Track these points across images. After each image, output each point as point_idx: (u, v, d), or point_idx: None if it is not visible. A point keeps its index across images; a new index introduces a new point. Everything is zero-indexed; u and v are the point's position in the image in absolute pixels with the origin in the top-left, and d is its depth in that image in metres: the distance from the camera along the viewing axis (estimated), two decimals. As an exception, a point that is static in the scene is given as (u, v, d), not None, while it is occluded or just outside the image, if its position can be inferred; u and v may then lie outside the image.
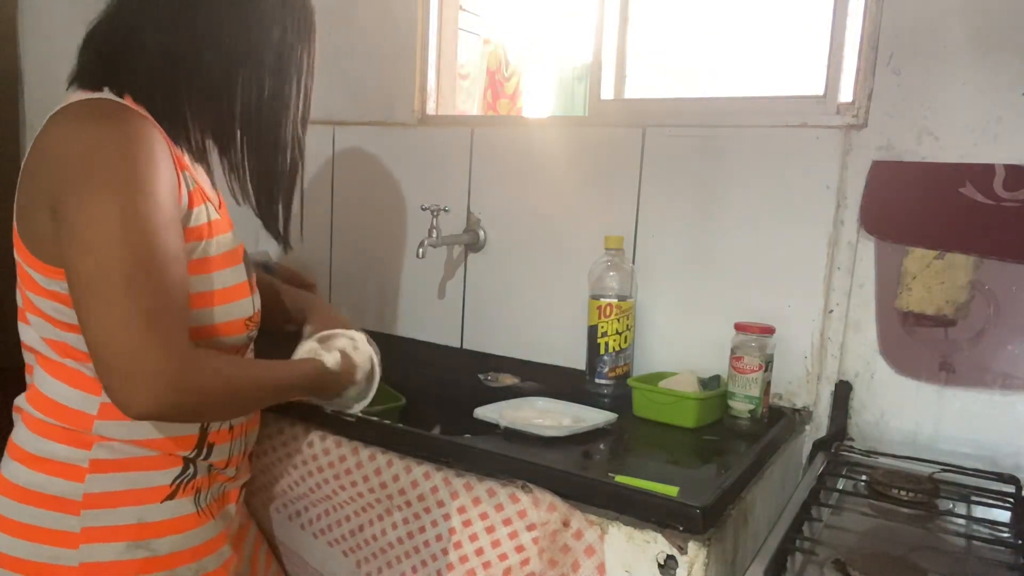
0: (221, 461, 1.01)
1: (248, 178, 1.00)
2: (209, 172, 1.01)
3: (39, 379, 0.94)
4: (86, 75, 0.93)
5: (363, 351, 1.11)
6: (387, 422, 1.13)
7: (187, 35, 0.92)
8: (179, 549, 0.96)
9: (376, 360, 1.12)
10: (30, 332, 0.94)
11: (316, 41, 1.03)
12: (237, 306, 0.97)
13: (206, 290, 0.94)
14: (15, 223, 0.91)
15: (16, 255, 0.91)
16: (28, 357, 0.97)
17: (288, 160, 1.03)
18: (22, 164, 0.90)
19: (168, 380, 0.80)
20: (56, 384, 0.93)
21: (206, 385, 0.85)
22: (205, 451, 0.98)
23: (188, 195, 0.91)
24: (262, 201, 1.02)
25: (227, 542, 1.04)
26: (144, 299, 0.80)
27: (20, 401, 0.97)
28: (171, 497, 0.96)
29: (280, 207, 1.04)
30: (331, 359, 1.05)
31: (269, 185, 1.02)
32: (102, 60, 0.93)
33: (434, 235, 1.53)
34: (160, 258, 0.82)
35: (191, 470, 0.97)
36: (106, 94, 0.91)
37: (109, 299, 0.79)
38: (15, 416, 0.97)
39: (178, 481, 0.96)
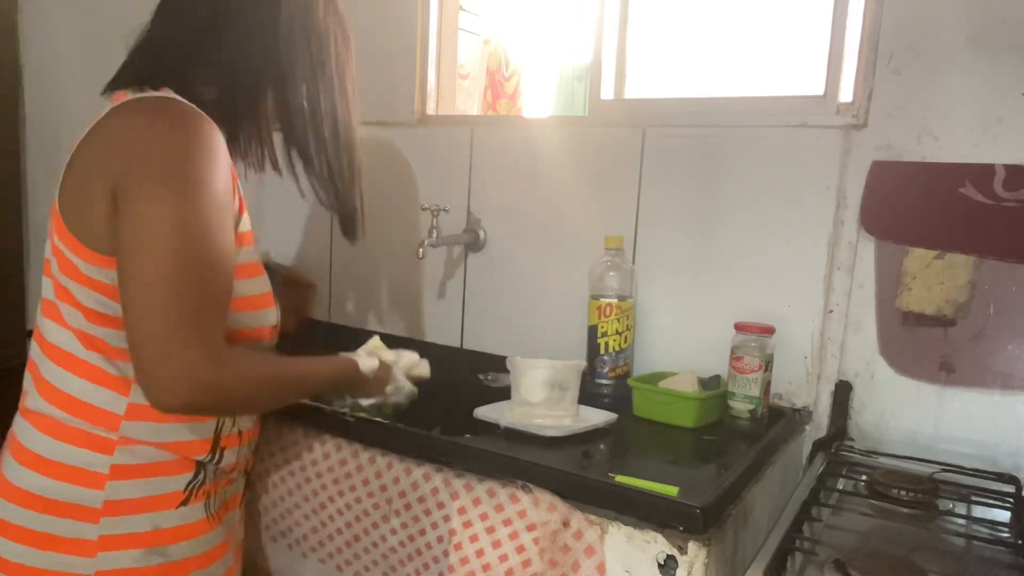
0: (230, 465, 1.02)
1: (330, 178, 1.05)
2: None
3: (57, 377, 0.92)
4: (142, 76, 0.94)
5: (404, 363, 1.19)
6: (387, 422, 1.13)
7: (257, 43, 0.97)
8: (192, 555, 0.96)
9: (407, 386, 1.18)
10: (51, 324, 0.92)
11: (353, 48, 1.07)
12: (266, 314, 1.01)
13: (244, 295, 0.96)
14: (58, 211, 0.90)
15: (58, 242, 0.90)
16: (39, 353, 0.94)
17: (356, 157, 1.08)
18: (72, 151, 0.90)
19: (200, 377, 0.81)
20: (80, 382, 0.91)
21: (239, 380, 0.88)
22: (218, 455, 0.98)
23: (239, 200, 0.94)
24: (345, 199, 1.08)
25: (231, 549, 1.04)
26: (189, 298, 0.82)
27: (33, 403, 0.94)
28: (185, 503, 0.95)
29: (347, 204, 1.09)
30: (366, 364, 1.09)
31: (350, 184, 1.07)
32: (162, 62, 0.95)
33: (434, 235, 1.53)
34: (212, 258, 0.84)
35: (202, 475, 0.97)
36: (168, 93, 0.92)
37: (156, 294, 0.81)
38: (22, 420, 0.94)
39: (191, 487, 0.96)
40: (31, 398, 0.94)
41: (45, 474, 0.90)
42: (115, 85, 0.95)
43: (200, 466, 0.97)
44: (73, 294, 0.90)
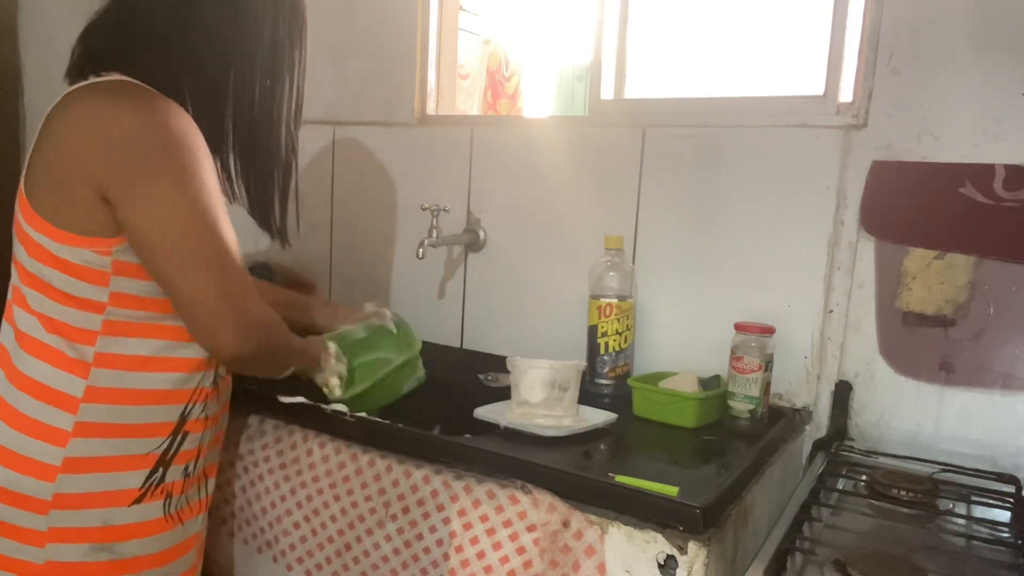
0: (192, 450, 1.01)
1: (238, 176, 1.03)
2: None
3: (23, 362, 0.93)
4: (90, 63, 0.94)
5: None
6: (387, 422, 1.13)
7: (182, 30, 0.95)
8: (145, 553, 0.96)
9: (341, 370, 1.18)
10: (19, 311, 0.94)
11: (308, 39, 1.06)
12: None
13: None
14: (23, 194, 0.91)
15: (25, 225, 0.91)
16: (11, 340, 0.95)
17: (282, 157, 1.06)
18: (35, 136, 0.92)
19: (250, 325, 0.93)
20: (42, 365, 0.92)
21: (274, 322, 1.00)
22: (179, 439, 0.98)
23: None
24: (254, 199, 1.05)
25: (194, 548, 1.04)
26: (225, 255, 0.91)
27: (0, 390, 0.94)
28: (139, 500, 0.95)
29: (276, 204, 1.08)
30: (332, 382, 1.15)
31: (263, 182, 1.05)
32: (107, 49, 0.95)
33: (434, 235, 1.53)
34: (224, 223, 0.93)
35: (160, 472, 0.97)
36: (119, 77, 0.93)
37: (199, 261, 0.89)
38: None
39: (148, 483, 0.96)
40: None
41: (2, 463, 0.92)
42: (78, 71, 0.96)
43: (159, 463, 0.97)
44: (39, 276, 0.91)
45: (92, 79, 0.93)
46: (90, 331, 0.91)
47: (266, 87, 1.01)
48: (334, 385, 1.15)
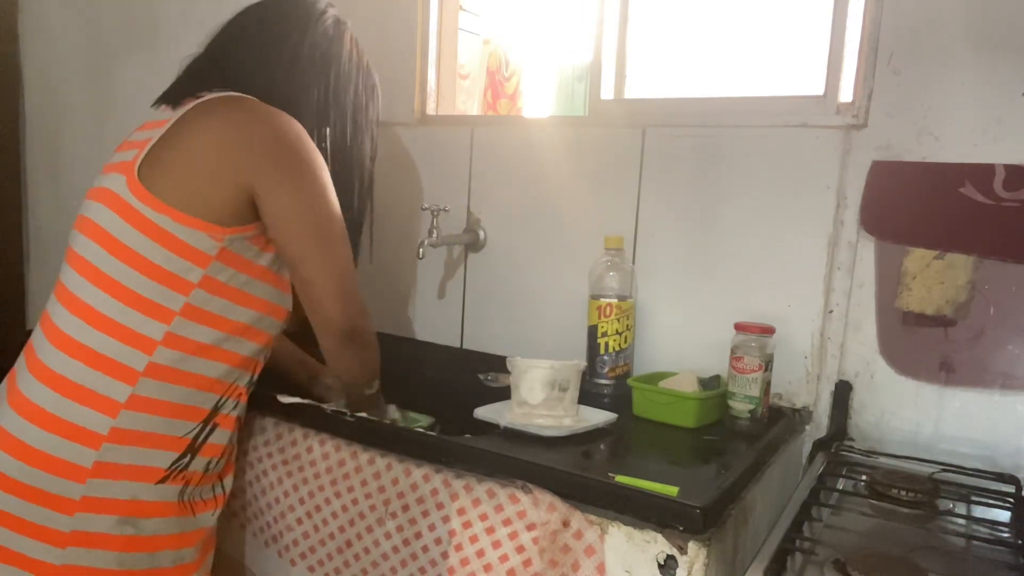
0: (219, 447, 1.06)
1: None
2: None
3: (83, 332, 0.97)
4: (198, 86, 1.09)
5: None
6: (387, 422, 1.13)
7: (290, 91, 1.14)
8: (162, 533, 1.00)
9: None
10: (82, 281, 0.99)
11: (379, 97, 1.32)
12: (287, 297, 1.12)
13: (280, 273, 1.09)
14: (136, 179, 0.99)
15: (135, 202, 0.98)
16: (62, 310, 0.99)
17: (367, 191, 1.28)
18: (155, 137, 1.02)
19: (357, 306, 1.09)
20: (104, 337, 0.97)
21: (368, 321, 1.13)
22: (209, 429, 1.03)
23: None
24: (349, 226, 1.17)
25: (203, 539, 1.08)
26: (345, 246, 1.09)
27: (46, 356, 0.98)
28: (163, 481, 0.99)
29: (362, 229, 1.28)
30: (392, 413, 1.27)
31: (354, 213, 1.24)
32: (213, 78, 1.11)
33: (434, 235, 1.53)
34: (344, 224, 1.10)
35: (187, 458, 1.01)
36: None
37: (330, 241, 1.06)
38: (28, 374, 0.98)
39: (173, 467, 1.00)
40: (45, 352, 0.99)
41: (47, 429, 0.95)
42: (179, 94, 1.09)
43: (188, 449, 1.01)
44: (138, 250, 0.97)
45: (210, 95, 1.06)
46: (170, 310, 0.98)
47: (353, 135, 1.23)
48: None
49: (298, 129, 1.05)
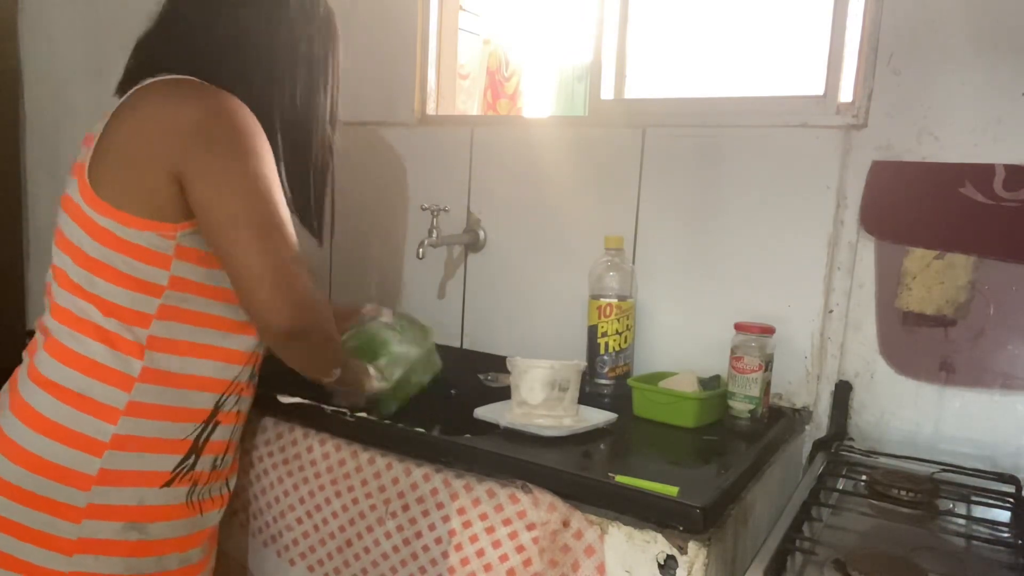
0: (222, 443, 1.05)
1: (283, 176, 1.07)
2: None
3: (75, 341, 0.96)
4: (146, 72, 1.01)
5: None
6: (387, 422, 1.13)
7: (231, 47, 1.03)
8: (169, 536, 1.00)
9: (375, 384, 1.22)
10: (67, 295, 0.97)
11: (340, 47, 1.13)
12: None
13: None
14: (87, 182, 0.95)
15: (87, 209, 0.95)
16: (55, 322, 0.98)
17: (320, 159, 1.13)
18: (101, 130, 0.97)
19: (299, 303, 0.94)
20: (96, 345, 0.96)
21: (325, 307, 1.01)
22: (211, 427, 1.03)
23: None
24: (298, 198, 1.11)
25: (208, 538, 1.08)
26: (279, 237, 0.94)
27: (46, 368, 0.97)
28: (169, 484, 0.99)
29: (313, 203, 1.14)
30: (375, 383, 1.20)
31: (304, 181, 1.12)
32: (161, 61, 1.02)
33: (434, 235, 1.53)
34: (283, 212, 0.96)
35: (192, 459, 1.01)
36: (181, 76, 0.99)
37: (256, 234, 0.92)
38: (30, 383, 0.98)
39: (179, 468, 1.00)
40: (42, 361, 0.98)
41: (50, 437, 0.94)
42: (133, 81, 1.02)
43: (192, 449, 1.01)
44: (102, 259, 0.95)
45: (150, 80, 0.99)
46: (146, 314, 0.96)
47: (305, 95, 1.08)
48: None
49: (233, 107, 0.96)
